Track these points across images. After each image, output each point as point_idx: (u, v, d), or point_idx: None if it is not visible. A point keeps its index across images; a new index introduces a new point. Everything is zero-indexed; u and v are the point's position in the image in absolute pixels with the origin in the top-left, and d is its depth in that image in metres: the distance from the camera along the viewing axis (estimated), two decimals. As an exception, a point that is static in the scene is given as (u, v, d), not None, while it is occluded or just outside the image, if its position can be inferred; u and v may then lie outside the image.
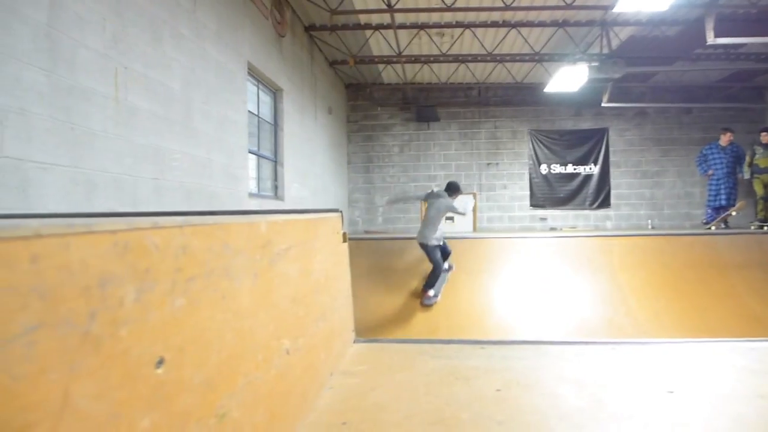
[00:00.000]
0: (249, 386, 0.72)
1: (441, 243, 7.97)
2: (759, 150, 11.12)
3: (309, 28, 9.74)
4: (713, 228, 11.01)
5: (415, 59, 11.41)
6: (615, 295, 8.45)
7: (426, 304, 7.85)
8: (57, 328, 0.37)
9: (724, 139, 11.32)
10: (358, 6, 8.83)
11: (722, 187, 11.30)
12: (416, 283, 8.97)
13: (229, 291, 0.68)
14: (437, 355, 1.46)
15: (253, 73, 7.34)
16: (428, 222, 7.80)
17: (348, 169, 13.74)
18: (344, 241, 1.52)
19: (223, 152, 5.99)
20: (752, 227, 10.98)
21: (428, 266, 8.72)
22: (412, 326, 8.17)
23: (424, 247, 7.72)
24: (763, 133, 11.23)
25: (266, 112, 8.11)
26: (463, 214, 8.04)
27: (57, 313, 0.37)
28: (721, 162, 11.28)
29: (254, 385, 0.74)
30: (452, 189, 7.99)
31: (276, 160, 8.33)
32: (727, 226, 11.10)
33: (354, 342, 1.57)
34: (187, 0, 5.24)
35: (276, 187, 8.30)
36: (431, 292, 7.75)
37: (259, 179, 7.84)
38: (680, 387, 1.23)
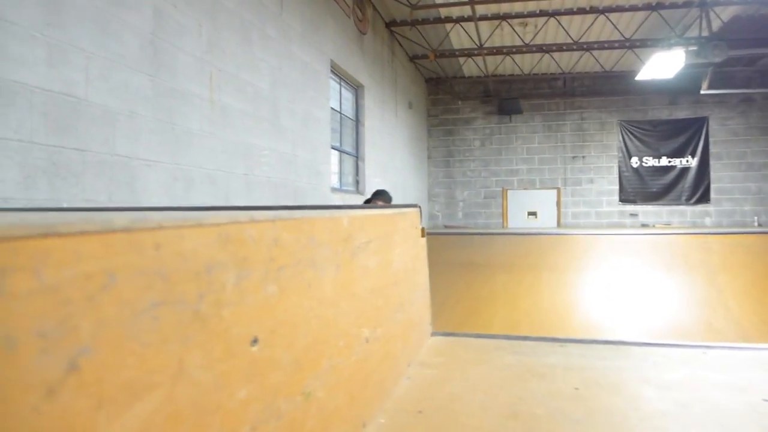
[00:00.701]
0: (332, 369, 0.78)
1: None
2: None
3: (390, 24, 9.83)
4: (832, 226, 9.95)
5: (497, 51, 11.19)
6: (714, 298, 7.88)
7: None
8: (174, 305, 0.44)
9: None
10: (439, 0, 8.80)
11: (844, 180, 10.18)
12: (499, 278, 8.85)
13: (315, 280, 0.74)
14: (514, 351, 1.46)
15: (336, 71, 7.54)
16: None
17: (428, 163, 13.74)
18: (422, 235, 1.55)
19: (307, 148, 6.21)
20: None
21: (514, 261, 8.58)
22: (492, 322, 8.08)
23: None
24: None
25: (348, 109, 8.31)
26: None
27: (174, 293, 0.44)
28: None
29: (337, 369, 0.80)
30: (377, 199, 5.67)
31: (357, 156, 8.51)
32: None
33: (431, 335, 1.61)
34: (274, 3, 5.48)
35: (357, 182, 8.49)
36: None
37: (341, 174, 8.05)
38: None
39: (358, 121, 8.56)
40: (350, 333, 0.87)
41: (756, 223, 11.98)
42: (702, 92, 11.11)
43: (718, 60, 8.98)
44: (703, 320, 7.87)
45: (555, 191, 13.14)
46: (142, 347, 0.39)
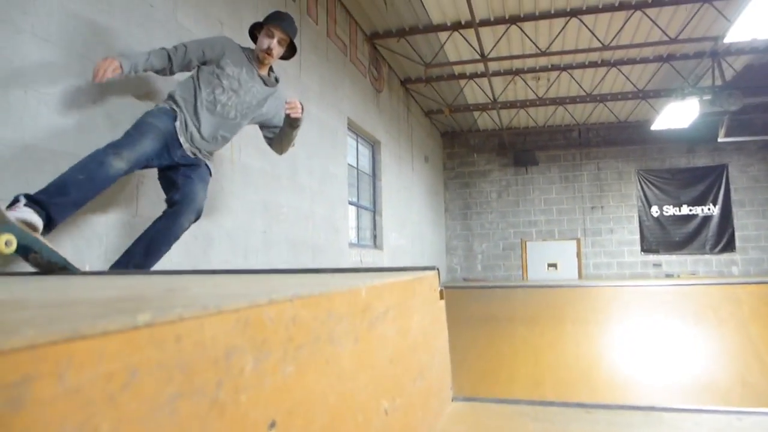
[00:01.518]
0: (351, 447, 0.76)
1: None
2: None
3: (405, 82, 10.12)
4: None
5: (511, 105, 11.40)
6: (747, 351, 7.57)
7: None
8: (192, 396, 0.44)
9: None
10: (452, 58, 9.07)
11: None
12: (520, 332, 8.65)
13: (333, 356, 0.73)
14: (538, 417, 1.41)
15: (352, 128, 7.73)
16: None
17: (445, 216, 13.77)
18: (441, 298, 1.54)
19: (324, 204, 6.29)
20: None
21: (536, 314, 8.42)
22: (514, 379, 7.84)
23: None
24: None
25: (365, 164, 8.45)
26: None
27: (193, 384, 0.44)
28: None
29: (356, 446, 0.78)
30: None
31: (374, 210, 8.58)
32: None
33: (452, 400, 1.56)
34: (294, 67, 5.70)
35: (375, 237, 8.52)
36: None
37: (358, 229, 8.10)
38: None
39: (375, 176, 8.68)
40: (369, 407, 0.86)
41: (786, 272, 11.65)
42: (720, 140, 11.09)
43: (733, 108, 9.02)
44: (737, 375, 7.54)
45: (575, 242, 13.00)
46: (161, 444, 0.40)
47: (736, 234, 12.19)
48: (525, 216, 13.33)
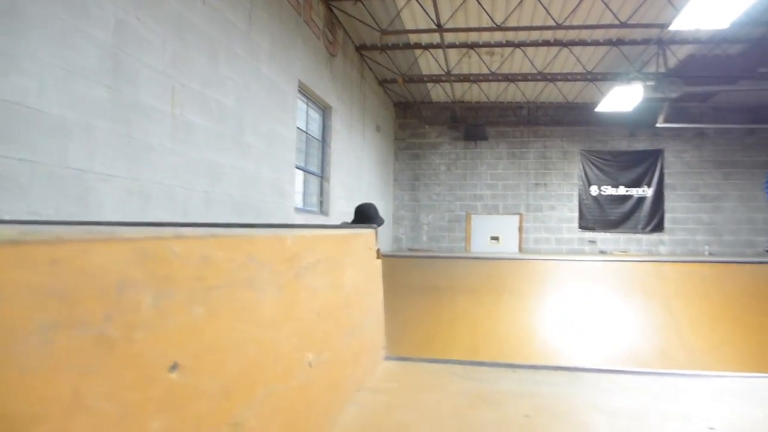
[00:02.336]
0: (269, 397, 0.73)
1: None
2: (830, 175, 10.50)
3: (360, 48, 9.93)
4: (778, 257, 10.39)
5: (464, 78, 11.42)
6: (669, 325, 8.07)
7: None
8: (72, 328, 0.40)
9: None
10: (408, 26, 8.94)
11: (788, 213, 10.68)
12: (460, 301, 8.86)
13: (252, 302, 0.70)
14: (467, 376, 1.43)
15: (304, 91, 7.54)
16: None
17: (394, 186, 13.80)
18: (378, 257, 1.52)
19: (271, 167, 6.15)
20: (822, 257, 10.29)
21: (476, 284, 8.63)
22: (452, 346, 8.06)
23: None
24: (835, 158, 10.60)
25: (315, 129, 8.29)
26: None
27: (73, 314, 0.40)
28: (788, 187, 10.71)
29: (274, 397, 0.75)
30: (361, 218, 5.71)
31: (323, 176, 8.47)
32: (793, 255, 10.45)
33: (385, 359, 1.57)
34: (242, 21, 5.46)
35: (321, 203, 8.43)
36: None
37: (305, 194, 7.99)
38: (723, 424, 1.16)
39: (324, 141, 8.54)
40: (292, 357, 0.83)
41: (707, 252, 12.43)
42: (658, 125, 11.58)
43: (674, 95, 9.39)
44: (658, 347, 8.04)
45: (518, 217, 13.36)
46: (27, 374, 0.35)
47: (666, 216, 12.87)
48: (472, 189, 13.54)
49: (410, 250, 13.26)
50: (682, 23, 6.66)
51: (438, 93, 12.87)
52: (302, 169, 7.70)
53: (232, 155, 5.24)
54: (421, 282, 9.62)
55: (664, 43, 9.25)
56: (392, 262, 10.03)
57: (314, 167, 8.27)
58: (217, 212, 4.93)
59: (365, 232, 1.37)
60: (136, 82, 3.82)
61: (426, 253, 12.01)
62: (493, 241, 13.34)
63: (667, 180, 12.93)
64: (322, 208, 8.44)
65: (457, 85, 12.02)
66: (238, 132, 5.39)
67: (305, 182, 8.00)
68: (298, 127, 7.23)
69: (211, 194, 4.85)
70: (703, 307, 8.33)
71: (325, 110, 8.55)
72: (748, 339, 8.05)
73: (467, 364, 1.56)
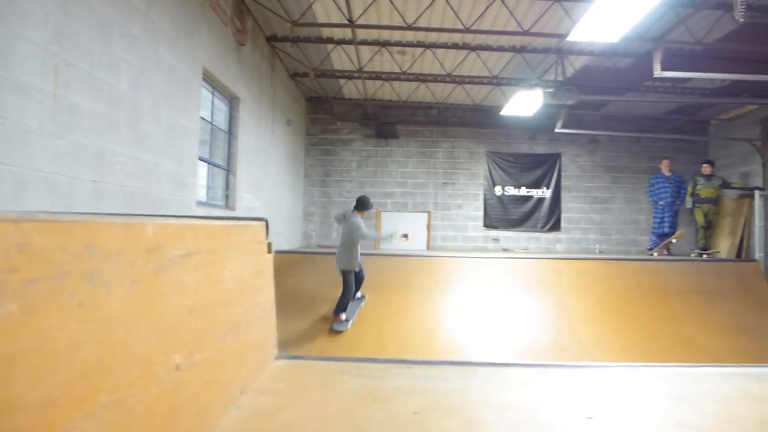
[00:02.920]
0: (116, 405, 0.65)
1: (357, 269, 7.78)
2: (700, 181, 11.70)
3: (270, 39, 9.66)
4: (656, 254, 11.41)
5: (376, 76, 11.47)
6: (562, 318, 8.61)
7: (337, 330, 7.51)
8: None
9: (665, 167, 11.88)
10: (320, 19, 8.82)
11: (666, 215, 11.76)
12: (369, 298, 8.90)
13: (92, 298, 0.60)
14: (359, 374, 1.40)
15: (209, 80, 7.19)
16: (341, 246, 7.68)
17: (304, 182, 13.61)
18: (269, 251, 1.44)
19: (171, 158, 5.80)
20: (692, 255, 11.44)
21: (384, 281, 8.72)
22: (360, 344, 8.08)
23: (342, 272, 7.65)
24: (705, 165, 11.83)
25: (221, 120, 7.95)
26: (364, 237, 7.60)
27: None
28: (666, 191, 11.78)
29: (125, 404, 0.66)
30: (358, 205, 7.77)
31: (228, 169, 8.15)
32: (669, 253, 11.52)
33: (276, 358, 1.49)
34: (140, 0, 5.09)
35: (227, 197, 8.11)
36: (343, 316, 7.56)
37: (210, 188, 7.64)
38: (600, 413, 1.21)
39: (231, 133, 8.22)
40: (151, 360, 0.74)
41: (597, 251, 13.41)
42: (556, 131, 12.30)
43: (570, 102, 10.00)
44: (553, 339, 8.54)
45: (426, 215, 13.66)
46: None
47: (563, 216, 13.73)
48: (382, 187, 13.66)
49: (320, 246, 13.14)
50: (578, 35, 7.09)
51: (350, 89, 12.84)
52: (206, 161, 7.35)
53: (126, 143, 4.87)
54: (330, 279, 9.56)
55: (563, 53, 9.82)
56: (301, 258, 9.89)
57: (220, 160, 7.93)
58: (108, 204, 4.57)
59: (253, 225, 1.28)
60: (10, 56, 3.43)
61: (335, 249, 11.95)
62: (403, 238, 13.55)
63: (563, 182, 13.79)
64: (228, 202, 8.12)
65: (369, 83, 12.05)
66: (134, 119, 5.02)
67: (210, 175, 7.65)
68: (202, 117, 6.89)
69: (100, 184, 4.48)
70: (592, 301, 8.97)
71: (232, 101, 8.23)
72: (631, 329, 8.76)
73: (361, 361, 1.53)
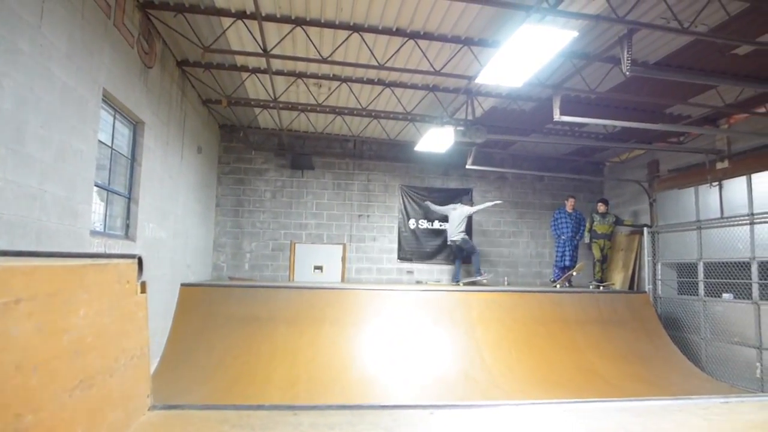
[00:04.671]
0: None
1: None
2: (597, 218, 12.59)
3: (181, 63, 9.35)
4: (558, 286, 12.03)
5: (292, 107, 11.42)
6: (471, 349, 8.77)
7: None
8: None
9: (569, 205, 12.72)
10: (234, 46, 8.68)
11: (567, 249, 12.50)
12: (280, 332, 8.61)
13: None
14: (240, 423, 1.29)
15: (110, 102, 6.79)
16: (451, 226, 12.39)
17: (216, 211, 13.12)
18: (142, 291, 1.31)
19: (61, 184, 5.35)
20: (590, 287, 12.18)
21: (297, 314, 8.54)
22: (270, 381, 7.75)
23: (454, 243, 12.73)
24: (600, 204, 12.78)
25: (123, 145, 7.50)
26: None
27: None
28: (567, 226, 12.56)
29: None
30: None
31: (130, 197, 7.67)
32: (570, 285, 12.19)
33: (149, 409, 1.34)
34: (32, 14, 4.74)
35: (128, 226, 7.61)
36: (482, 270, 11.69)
37: (108, 217, 7.13)
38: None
39: (134, 159, 7.77)
40: (-53, 433, 0.61)
41: (506, 283, 13.92)
42: (467, 167, 12.80)
43: (479, 141, 10.45)
44: (463, 370, 8.65)
45: (341, 247, 13.59)
46: None
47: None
48: (297, 218, 13.47)
49: (231, 278, 12.64)
50: (485, 78, 7.47)
51: (266, 119, 12.68)
52: (104, 188, 6.87)
53: (5, 167, 4.44)
54: (241, 313, 9.17)
55: (472, 93, 10.30)
56: (209, 291, 9.44)
57: (120, 187, 7.45)
58: (-20, 233, 4.11)
59: (118, 262, 1.16)
60: None
61: (248, 282, 11.54)
62: (317, 270, 13.35)
63: (474, 217, 14.29)
64: (128, 231, 7.61)
65: (285, 113, 11.97)
66: (17, 140, 4.59)
67: (108, 203, 7.15)
68: (101, 141, 6.46)
69: (-28, 212, 4.02)
70: (500, 332, 9.23)
71: (136, 125, 7.81)
72: (536, 359, 9.07)
73: (243, 409, 1.41)
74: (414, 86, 10.29)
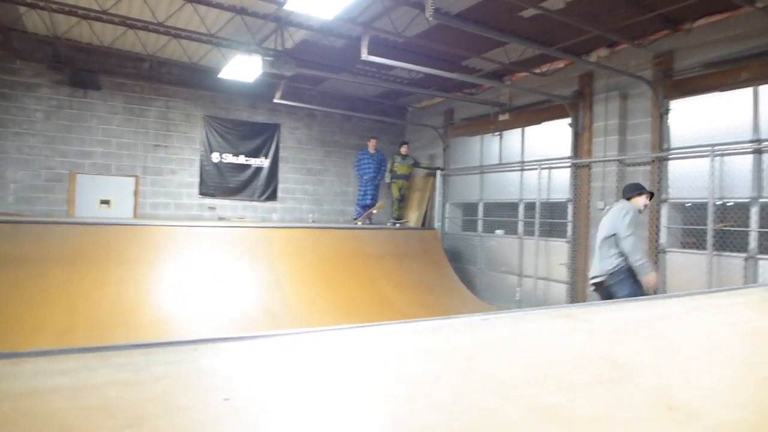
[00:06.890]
0: None
1: (621, 276, 5.63)
2: (398, 159, 13.39)
3: None
4: (360, 223, 12.66)
5: (70, 10, 9.65)
6: (273, 285, 8.82)
7: None
8: None
9: (371, 146, 13.29)
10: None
11: (369, 188, 13.14)
12: (55, 275, 7.59)
13: None
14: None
15: None
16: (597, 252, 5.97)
17: (-36, 131, 10.76)
18: None
19: None
20: (388, 224, 13.06)
21: (77, 254, 7.57)
22: (42, 329, 6.88)
23: (597, 286, 5.89)
24: (403, 146, 13.58)
25: None
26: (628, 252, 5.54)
27: None
28: (370, 167, 13.14)
29: None
30: (626, 191, 6.08)
31: None
32: (370, 222, 12.90)
33: None
34: None
35: None
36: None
37: None
38: (239, 391, 1.13)
39: None
40: None
41: (311, 220, 14.19)
42: (275, 101, 12.42)
43: (288, 74, 10.15)
44: (264, 306, 8.69)
45: (133, 179, 12.30)
46: None
47: (279, 186, 14.05)
48: (78, 145, 11.73)
49: (-10, 213, 10.65)
50: (295, 5, 7.17)
51: (35, 22, 10.54)
52: None
53: None
54: (4, 253, 7.82)
55: (282, 23, 9.85)
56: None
57: None
58: None
59: None
60: None
61: (12, 217, 9.83)
62: (104, 205, 11.95)
63: (281, 153, 14.08)
64: None
65: (61, 17, 10.09)
66: None
67: None
68: None
69: None
70: (301, 267, 9.41)
71: None
72: (336, 291, 9.50)
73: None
74: (219, 5, 9.45)
